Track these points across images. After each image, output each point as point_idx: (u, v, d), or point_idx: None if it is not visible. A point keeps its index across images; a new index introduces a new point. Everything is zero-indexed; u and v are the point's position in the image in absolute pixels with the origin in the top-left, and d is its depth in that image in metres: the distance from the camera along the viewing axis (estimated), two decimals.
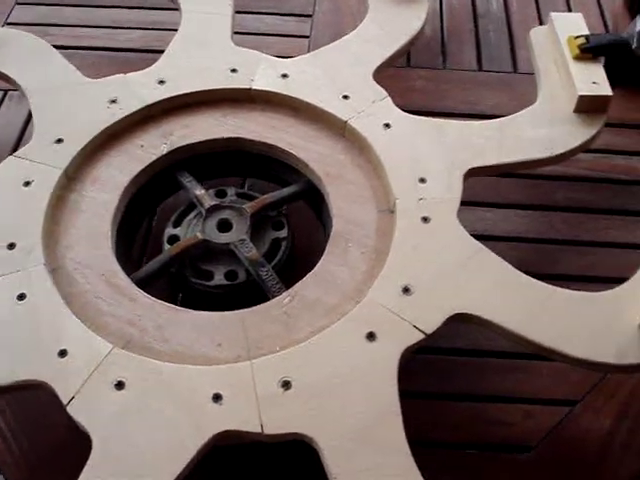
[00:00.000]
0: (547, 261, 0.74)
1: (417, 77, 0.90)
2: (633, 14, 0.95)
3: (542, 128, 0.71)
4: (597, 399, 0.65)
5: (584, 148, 0.71)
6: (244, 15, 0.99)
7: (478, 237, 0.73)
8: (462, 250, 0.61)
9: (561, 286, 0.59)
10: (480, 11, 1.00)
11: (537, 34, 0.80)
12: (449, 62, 0.93)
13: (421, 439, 0.62)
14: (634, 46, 0.90)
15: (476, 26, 0.98)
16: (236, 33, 0.91)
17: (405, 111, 0.72)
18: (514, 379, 0.65)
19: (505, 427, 0.63)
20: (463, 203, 0.76)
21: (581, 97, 0.71)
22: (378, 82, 0.74)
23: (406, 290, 0.58)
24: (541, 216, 0.77)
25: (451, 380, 0.66)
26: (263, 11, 1.00)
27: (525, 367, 0.66)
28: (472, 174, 0.67)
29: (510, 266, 0.60)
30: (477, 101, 0.87)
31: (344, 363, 0.54)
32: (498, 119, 0.71)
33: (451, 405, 0.64)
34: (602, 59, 0.76)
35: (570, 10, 1.01)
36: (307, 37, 0.96)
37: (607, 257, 0.74)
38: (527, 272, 0.60)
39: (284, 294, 0.60)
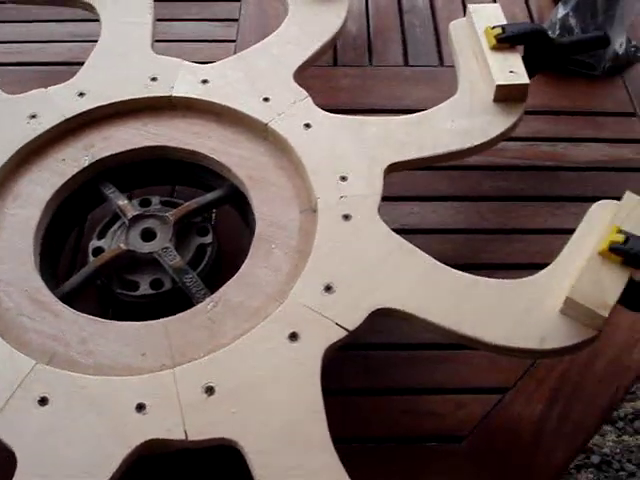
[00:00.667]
0: (476, 251, 0.74)
1: (343, 76, 0.90)
2: (557, 3, 0.96)
3: (462, 120, 0.71)
4: (528, 385, 0.65)
5: (504, 137, 0.72)
6: (170, 23, 0.98)
7: (407, 231, 0.73)
8: (383, 246, 0.61)
9: (490, 275, 0.60)
10: (406, 7, 1.01)
11: (456, 27, 0.81)
12: (375, 59, 0.93)
13: (356, 435, 0.62)
14: (556, 34, 0.92)
15: (402, 22, 0.99)
16: (162, 41, 0.91)
17: (332, 110, 0.72)
18: (445, 370, 0.66)
19: (437, 418, 0.63)
20: (392, 198, 0.77)
21: (499, 86, 0.72)
22: (304, 82, 0.74)
23: (328, 288, 0.58)
24: (470, 207, 0.78)
25: (383, 375, 0.66)
26: (189, 18, 0.99)
27: (456, 357, 0.66)
28: (393, 169, 0.68)
29: (431, 259, 0.60)
30: (403, 96, 0.87)
31: (267, 365, 0.54)
32: (418, 113, 0.72)
33: (384, 400, 0.64)
34: (521, 48, 0.77)
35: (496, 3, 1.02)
36: (234, 41, 0.96)
37: (534, 244, 0.75)
38: (456, 263, 0.60)
39: (208, 300, 0.60)
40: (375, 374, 0.66)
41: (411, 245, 0.61)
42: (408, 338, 0.67)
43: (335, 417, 0.62)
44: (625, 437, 1.52)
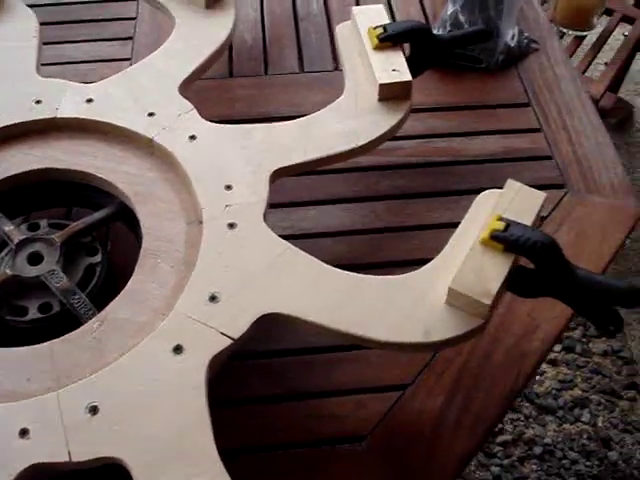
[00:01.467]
0: (373, 250, 0.74)
1: (239, 86, 0.90)
2: None
3: (348, 120, 0.72)
4: (428, 379, 0.65)
5: (391, 135, 0.72)
6: (63, 45, 0.97)
7: (305, 235, 0.74)
8: (268, 251, 0.61)
9: (388, 273, 0.60)
10: (301, 15, 1.01)
11: (342, 29, 0.82)
12: (271, 68, 0.93)
13: (261, 444, 0.62)
14: (447, 30, 0.93)
15: (297, 30, 0.99)
16: (56, 64, 0.90)
17: (228, 121, 0.72)
18: (344, 371, 0.66)
19: (338, 420, 0.63)
20: (288, 204, 0.77)
21: (382, 85, 0.72)
22: (200, 95, 0.74)
23: (213, 298, 0.58)
24: (366, 207, 0.78)
25: (286, 381, 0.66)
26: (83, 39, 0.98)
27: (354, 357, 0.66)
28: (279, 175, 0.68)
29: (317, 261, 0.60)
30: (300, 103, 0.87)
31: (151, 380, 0.54)
32: (304, 117, 0.72)
33: (284, 406, 0.64)
34: (404, 47, 0.77)
35: (391, 5, 1.03)
36: (129, 60, 0.95)
37: (431, 239, 0.75)
38: (353, 263, 0.60)
39: (94, 319, 0.59)
40: (278, 381, 0.66)
41: (297, 249, 0.61)
42: (307, 343, 0.67)
43: (240, 426, 0.61)
44: (566, 425, 1.54)
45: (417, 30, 0.76)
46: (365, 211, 0.78)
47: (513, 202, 0.62)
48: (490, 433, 0.64)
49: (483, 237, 0.59)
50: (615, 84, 1.68)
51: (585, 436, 1.50)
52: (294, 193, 0.78)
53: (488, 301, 0.55)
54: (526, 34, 0.97)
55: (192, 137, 0.70)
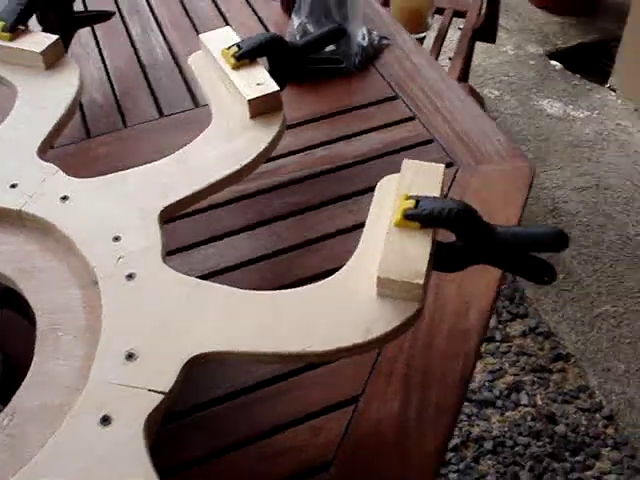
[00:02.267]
0: (285, 271, 0.70)
1: (101, 144, 0.85)
2: (290, 14, 0.97)
3: (224, 145, 0.68)
4: (378, 385, 0.61)
5: (272, 149, 0.69)
6: None
7: (210, 275, 0.69)
8: (177, 292, 0.56)
9: None
10: (147, 62, 0.97)
11: (195, 59, 0.78)
12: (129, 119, 0.88)
13: None
14: (299, 40, 0.91)
15: (147, 77, 0.95)
16: None
17: None
18: (289, 401, 0.61)
19: (296, 453, 0.57)
20: (185, 247, 0.72)
21: (250, 101, 0.69)
22: (60, 163, 0.68)
23: (130, 356, 0.52)
24: (265, 231, 0.74)
25: (229, 430, 0.60)
26: None
27: (296, 384, 0.62)
28: (169, 213, 0.63)
29: (231, 289, 0.56)
30: (168, 146, 0.81)
31: (85, 462, 0.47)
32: (178, 151, 0.68)
33: (229, 458, 0.58)
34: (264, 61, 0.75)
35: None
36: None
37: (339, 245, 0.72)
38: (270, 289, 0.56)
39: (2, 415, 0.52)
40: (217, 433, 0.60)
41: (207, 282, 0.56)
42: (240, 383, 0.62)
43: None
44: (508, 413, 1.53)
45: (271, 41, 0.74)
46: (266, 235, 0.74)
47: (415, 180, 0.60)
48: (455, 421, 0.60)
49: (397, 219, 0.56)
50: (463, 75, 1.73)
51: (529, 418, 1.50)
52: (188, 235, 0.73)
53: (420, 280, 0.52)
54: (375, 32, 0.97)
55: (64, 198, 0.64)
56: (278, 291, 0.55)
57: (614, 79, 2.29)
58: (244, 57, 0.73)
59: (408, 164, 0.61)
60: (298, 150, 0.83)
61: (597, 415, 1.49)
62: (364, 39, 0.94)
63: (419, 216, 0.55)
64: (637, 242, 1.82)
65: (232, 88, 0.72)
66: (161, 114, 0.89)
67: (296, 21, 0.91)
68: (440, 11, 1.79)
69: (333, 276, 0.55)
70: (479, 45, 1.96)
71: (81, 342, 0.55)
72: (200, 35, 0.78)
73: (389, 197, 0.60)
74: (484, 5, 1.81)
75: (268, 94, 0.70)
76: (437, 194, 0.58)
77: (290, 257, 0.72)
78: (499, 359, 1.61)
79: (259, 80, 0.71)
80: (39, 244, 0.62)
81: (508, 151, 0.81)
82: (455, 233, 0.56)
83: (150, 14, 1.07)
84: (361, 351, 0.53)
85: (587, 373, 1.55)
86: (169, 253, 0.66)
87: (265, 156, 0.68)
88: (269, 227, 0.74)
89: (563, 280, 1.73)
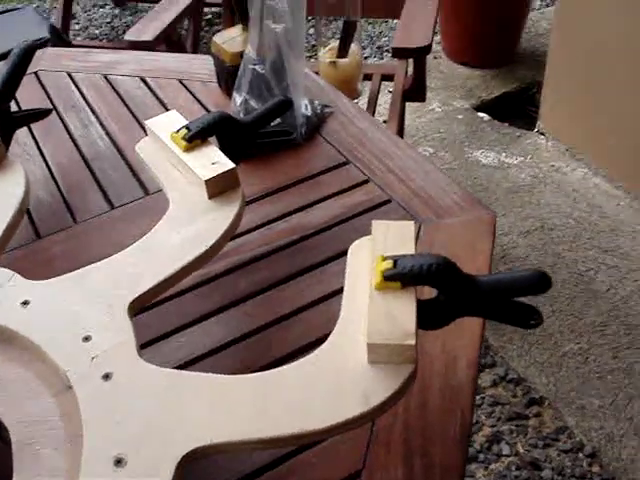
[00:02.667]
0: (263, 352, 0.68)
1: (53, 244, 0.82)
2: (229, 94, 0.97)
3: (187, 228, 0.66)
4: (378, 455, 0.59)
5: (236, 226, 0.68)
6: None
7: (184, 365, 0.66)
8: (157, 387, 0.53)
9: None
10: (89, 156, 0.95)
11: (143, 147, 0.77)
12: (79, 215, 0.86)
13: None
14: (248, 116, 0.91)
15: (92, 171, 0.93)
16: None
17: None
18: None
19: None
20: (153, 340, 0.69)
21: (208, 182, 0.68)
22: (13, 268, 0.64)
23: (119, 461, 0.48)
24: (236, 313, 0.72)
25: None
26: None
27: (297, 465, 0.59)
28: (137, 306, 0.60)
29: (215, 375, 0.53)
30: (121, 239, 0.80)
31: None
32: (140, 240, 0.65)
33: None
34: (214, 141, 0.74)
35: None
36: None
37: (315, 317, 0.70)
38: (246, 373, 0.53)
39: None
40: None
41: (187, 372, 0.54)
42: (241, 469, 0.59)
43: None
44: (492, 466, 1.51)
45: (220, 120, 0.73)
46: (237, 317, 0.71)
47: (387, 239, 0.59)
48: (463, 478, 0.58)
49: (377, 282, 0.54)
50: (400, 136, 1.75)
51: (514, 468, 1.47)
52: (156, 326, 0.70)
53: (412, 341, 0.51)
54: (316, 101, 0.98)
55: (25, 303, 0.60)
56: (267, 371, 0.53)
57: (541, 123, 2.36)
58: (195, 138, 0.72)
59: (378, 225, 0.60)
60: (258, 226, 0.81)
61: (580, 454, 1.48)
62: (307, 109, 0.94)
63: (399, 275, 0.54)
64: (589, 277, 1.85)
65: (186, 171, 0.70)
66: (112, 206, 0.87)
67: (238, 99, 0.91)
68: (369, 77, 1.82)
69: (320, 348, 0.54)
70: (408, 106, 2.00)
71: (63, 454, 0.51)
72: (146, 121, 0.76)
73: (363, 261, 0.58)
74: (410, 67, 1.85)
75: (224, 172, 0.68)
76: (412, 251, 0.57)
77: (265, 336, 0.69)
78: (474, 412, 1.59)
79: (213, 159, 0.70)
80: (2, 354, 0.59)
81: (467, 202, 0.81)
82: (437, 288, 0.55)
83: (87, 107, 1.05)
84: (361, 423, 0.50)
85: (563, 414, 1.54)
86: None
87: (229, 234, 0.66)
88: (239, 308, 0.72)
89: None
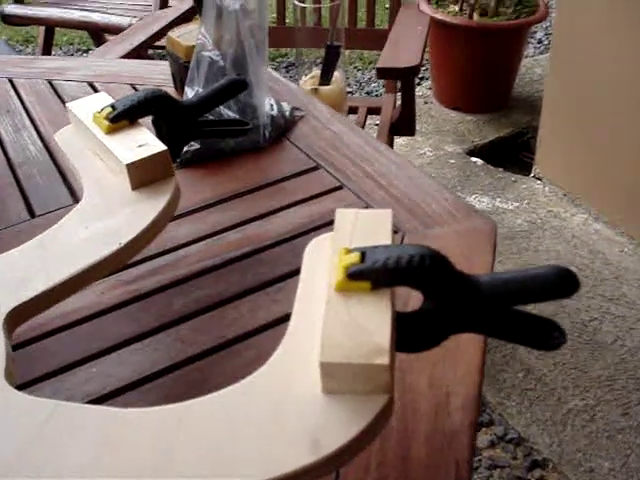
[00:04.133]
0: (197, 385, 0.52)
1: None
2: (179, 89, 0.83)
3: (98, 222, 0.51)
4: None
5: (162, 224, 0.53)
6: None
7: (94, 401, 0.50)
8: (30, 420, 0.37)
9: None
10: (17, 161, 0.81)
11: (63, 135, 0.62)
12: None
13: None
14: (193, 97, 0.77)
15: (17, 177, 0.78)
16: None
17: None
18: None
19: None
20: (55, 371, 0.53)
21: (130, 166, 0.53)
22: None
23: None
24: (166, 338, 0.56)
25: None
26: None
27: None
28: (21, 316, 0.45)
29: (107, 408, 0.38)
30: None
31: None
32: (37, 237, 0.50)
33: None
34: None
35: None
36: None
37: (265, 343, 0.54)
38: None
39: None
40: None
41: (73, 403, 0.38)
42: None
43: None
44: None
45: (154, 97, 0.59)
46: (168, 342, 0.56)
47: (355, 230, 0.44)
48: None
49: (338, 281, 0.39)
50: None
51: None
52: (63, 355, 0.55)
53: (384, 360, 0.35)
54: (285, 103, 0.84)
55: None
56: (181, 403, 0.38)
57: (538, 168, 2.24)
58: (120, 118, 0.57)
59: (343, 214, 0.45)
60: (204, 236, 0.66)
61: None
62: (272, 109, 0.80)
63: (369, 272, 0.39)
64: (593, 328, 1.69)
65: (107, 156, 0.56)
66: (32, 215, 0.72)
67: (190, 92, 0.77)
68: (354, 110, 1.70)
69: (255, 373, 0.38)
70: (396, 149, 1.88)
71: None
72: (68, 104, 0.62)
73: (323, 260, 0.44)
74: (398, 100, 1.74)
75: (152, 156, 0.54)
76: (389, 241, 0.42)
77: (203, 366, 0.54)
78: (472, 471, 1.42)
79: (141, 142, 0.55)
80: None
81: (460, 210, 0.66)
82: (422, 290, 0.39)
83: (24, 112, 0.91)
84: (313, 477, 0.35)
85: (569, 477, 1.37)
86: (37, 380, 0.48)
87: (152, 233, 0.51)
88: (170, 331, 0.56)
89: (524, 379, 1.58)
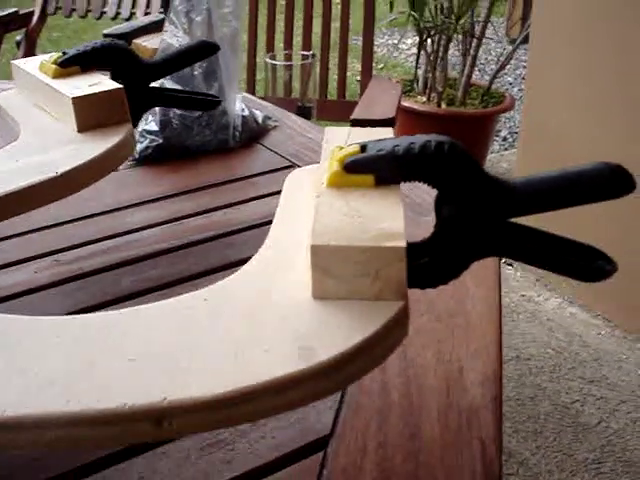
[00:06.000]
0: None
1: None
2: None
3: (32, 157, 0.42)
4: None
5: (111, 164, 0.44)
6: None
7: None
8: None
9: None
10: None
11: (6, 96, 0.54)
12: None
13: None
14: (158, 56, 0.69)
15: None
16: None
17: None
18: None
19: None
20: None
21: (76, 101, 0.44)
22: None
23: None
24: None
25: None
26: None
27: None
28: None
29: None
30: None
31: None
32: None
33: None
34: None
35: None
36: None
37: None
38: None
39: None
40: None
41: None
42: None
43: None
44: None
45: (110, 48, 0.51)
46: None
47: (352, 139, 0.35)
48: None
49: (332, 173, 0.31)
50: None
51: None
52: None
53: (400, 242, 0.26)
54: (256, 111, 0.76)
55: None
56: (116, 311, 0.28)
57: None
58: (71, 63, 0.49)
59: (333, 132, 0.37)
60: (164, 222, 0.57)
61: None
62: (244, 112, 0.73)
63: (372, 161, 0.30)
64: (575, 410, 1.59)
65: (52, 99, 0.47)
66: None
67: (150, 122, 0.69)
68: None
69: (227, 279, 0.29)
70: None
71: None
72: (12, 61, 0.54)
73: (307, 193, 0.35)
74: None
75: (104, 93, 0.45)
76: None
77: None
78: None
79: (93, 82, 0.47)
80: None
81: None
82: (440, 188, 0.31)
83: None
84: (298, 397, 0.25)
85: None
86: None
87: (96, 171, 0.42)
88: (114, 309, 0.46)
89: (505, 463, 1.46)
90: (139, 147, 0.68)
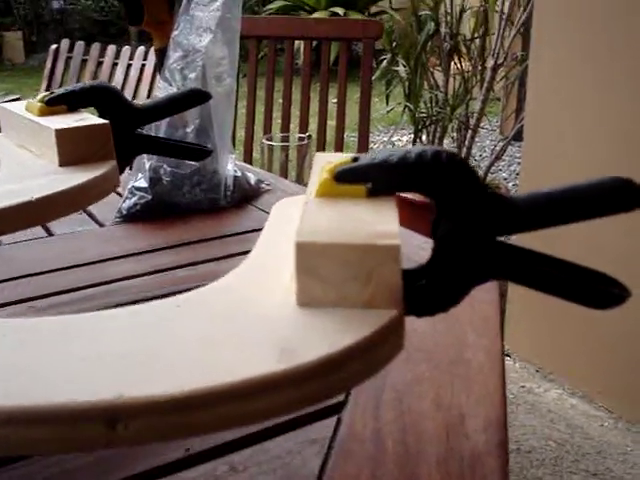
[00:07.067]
0: None
1: None
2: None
3: (12, 185, 0.40)
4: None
5: (95, 195, 0.42)
6: None
7: None
8: None
9: None
10: None
11: None
12: None
13: None
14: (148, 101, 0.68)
15: None
16: None
17: None
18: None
19: None
20: None
21: (59, 133, 0.43)
22: None
23: None
24: None
25: None
26: None
27: None
28: None
29: None
30: None
31: None
32: None
33: None
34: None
35: None
36: None
37: None
38: None
39: None
40: None
41: None
42: None
43: None
44: None
45: (98, 89, 0.50)
46: None
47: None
48: None
49: (321, 182, 0.28)
50: None
51: None
52: None
53: (394, 240, 0.24)
54: (249, 174, 0.75)
55: None
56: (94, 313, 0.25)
57: (507, 344, 2.15)
58: (57, 102, 0.48)
59: (324, 156, 0.35)
60: (146, 273, 0.55)
61: None
62: (236, 172, 0.71)
63: (364, 170, 0.29)
64: None
65: (37, 136, 0.45)
66: None
67: (147, 162, 0.68)
68: None
69: (206, 287, 0.26)
70: None
71: None
72: None
73: (293, 218, 0.33)
74: None
75: (88, 127, 0.44)
76: None
77: None
78: None
79: (78, 119, 0.46)
80: None
81: None
82: (437, 199, 0.29)
83: None
84: (274, 405, 0.22)
85: None
86: None
87: (75, 200, 0.40)
88: None
89: None
90: (127, 204, 0.66)
